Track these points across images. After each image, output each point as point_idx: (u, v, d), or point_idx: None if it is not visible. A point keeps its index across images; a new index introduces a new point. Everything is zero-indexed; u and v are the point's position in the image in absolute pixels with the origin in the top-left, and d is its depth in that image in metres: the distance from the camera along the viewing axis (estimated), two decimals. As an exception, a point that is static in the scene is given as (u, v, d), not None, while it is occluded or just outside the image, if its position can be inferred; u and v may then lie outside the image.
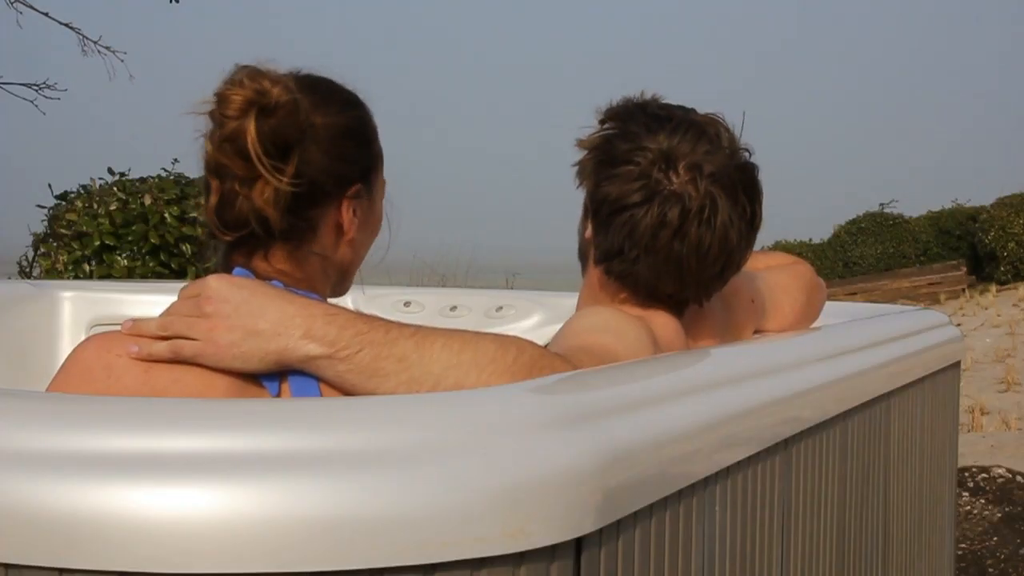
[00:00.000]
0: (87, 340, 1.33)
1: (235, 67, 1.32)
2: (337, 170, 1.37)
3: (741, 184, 1.61)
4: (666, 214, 1.56)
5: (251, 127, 1.27)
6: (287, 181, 1.30)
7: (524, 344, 1.28)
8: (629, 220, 1.58)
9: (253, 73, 1.30)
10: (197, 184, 6.22)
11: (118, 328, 1.31)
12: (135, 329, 1.28)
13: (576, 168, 1.68)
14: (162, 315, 1.28)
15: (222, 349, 1.22)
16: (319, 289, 1.40)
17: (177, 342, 1.24)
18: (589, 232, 1.67)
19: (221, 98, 1.29)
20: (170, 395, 1.23)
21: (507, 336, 1.29)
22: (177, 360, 1.24)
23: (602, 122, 1.67)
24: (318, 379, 1.24)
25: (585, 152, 1.66)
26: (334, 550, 0.84)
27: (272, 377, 1.25)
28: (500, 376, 1.22)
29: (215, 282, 1.25)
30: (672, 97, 1.72)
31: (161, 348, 1.25)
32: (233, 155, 1.29)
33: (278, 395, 1.26)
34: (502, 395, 1.05)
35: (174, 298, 1.31)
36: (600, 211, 1.62)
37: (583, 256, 1.74)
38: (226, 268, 1.38)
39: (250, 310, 1.22)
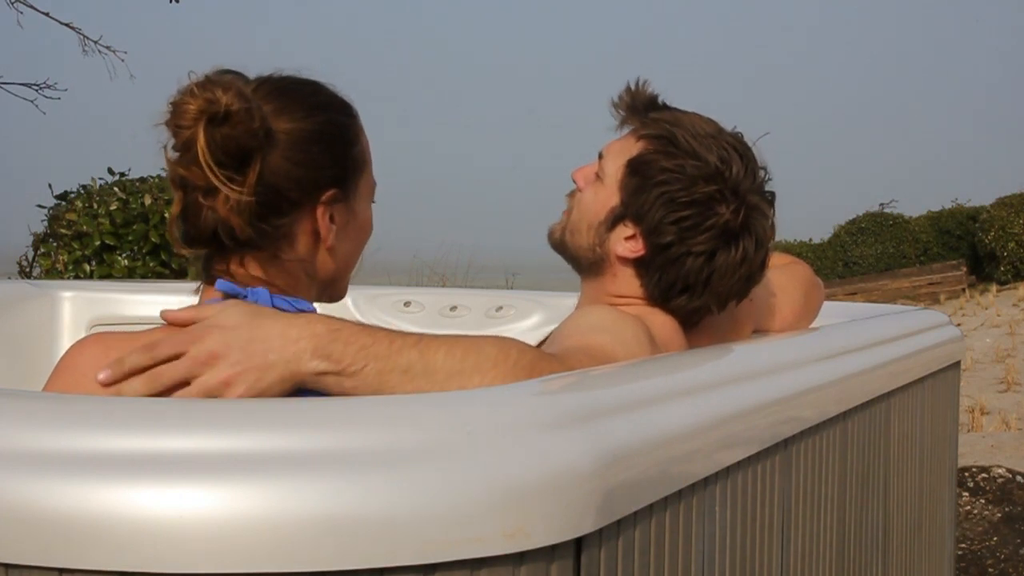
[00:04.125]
0: (83, 341, 1.31)
1: (189, 75, 1.29)
2: (305, 177, 1.33)
3: (771, 207, 1.70)
4: (735, 256, 1.63)
5: (200, 137, 1.24)
6: (244, 191, 1.26)
7: (523, 347, 1.28)
8: (698, 264, 1.62)
9: (205, 82, 1.27)
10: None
11: (116, 329, 1.29)
12: (118, 391, 1.20)
13: (625, 172, 1.65)
14: (161, 377, 1.20)
15: (244, 396, 1.19)
16: (303, 295, 1.37)
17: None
18: (623, 248, 1.66)
19: (175, 108, 1.26)
20: None
21: (506, 339, 1.29)
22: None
23: (654, 138, 1.65)
24: (325, 394, 1.24)
25: (636, 166, 1.64)
26: (334, 550, 0.84)
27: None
28: (502, 379, 1.22)
29: (210, 334, 1.20)
30: (671, 97, 1.73)
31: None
32: (191, 165, 1.26)
33: None
34: (502, 395, 1.05)
35: (174, 298, 1.29)
36: (665, 250, 1.63)
37: (596, 259, 1.70)
38: (207, 277, 1.36)
39: (256, 348, 1.19)
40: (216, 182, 1.26)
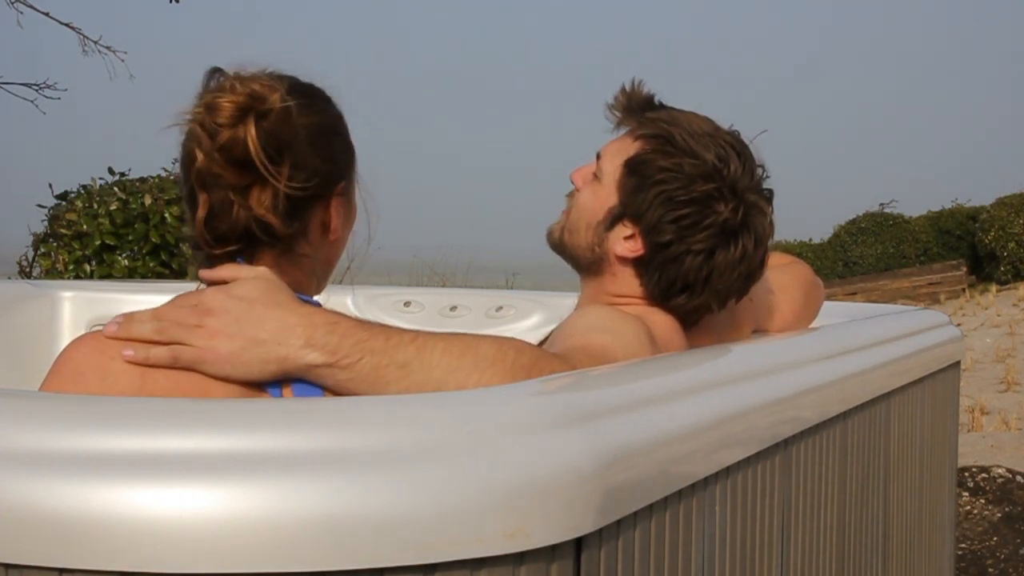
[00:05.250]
0: (79, 339, 1.31)
1: (211, 73, 1.29)
2: (326, 170, 1.35)
3: (769, 204, 1.69)
4: (734, 253, 1.63)
5: (252, 132, 1.25)
6: (286, 184, 1.28)
7: (523, 346, 1.28)
8: (698, 263, 1.62)
9: (243, 78, 1.28)
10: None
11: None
12: (127, 332, 1.26)
13: (623, 172, 1.65)
14: (156, 320, 1.26)
15: (222, 358, 1.22)
16: (307, 290, 1.39)
17: (176, 347, 1.23)
18: (622, 247, 1.65)
19: (212, 106, 1.26)
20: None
21: (506, 338, 1.29)
22: (176, 366, 1.23)
23: (651, 137, 1.65)
24: (321, 387, 1.24)
25: (634, 166, 1.64)
26: (334, 550, 0.84)
27: (274, 384, 1.25)
28: (500, 378, 1.22)
29: (215, 295, 1.24)
30: (668, 96, 1.74)
31: (160, 352, 1.23)
32: (227, 164, 1.26)
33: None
34: (502, 395, 1.05)
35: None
36: (664, 249, 1.63)
37: (596, 258, 1.70)
38: None
39: (251, 320, 1.22)
40: (269, 177, 1.27)
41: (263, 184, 1.28)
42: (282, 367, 1.22)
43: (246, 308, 1.23)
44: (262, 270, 1.28)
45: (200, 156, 1.28)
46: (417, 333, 1.25)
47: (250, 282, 1.26)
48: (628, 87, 1.73)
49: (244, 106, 1.25)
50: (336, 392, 1.23)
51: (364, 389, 1.22)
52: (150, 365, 1.24)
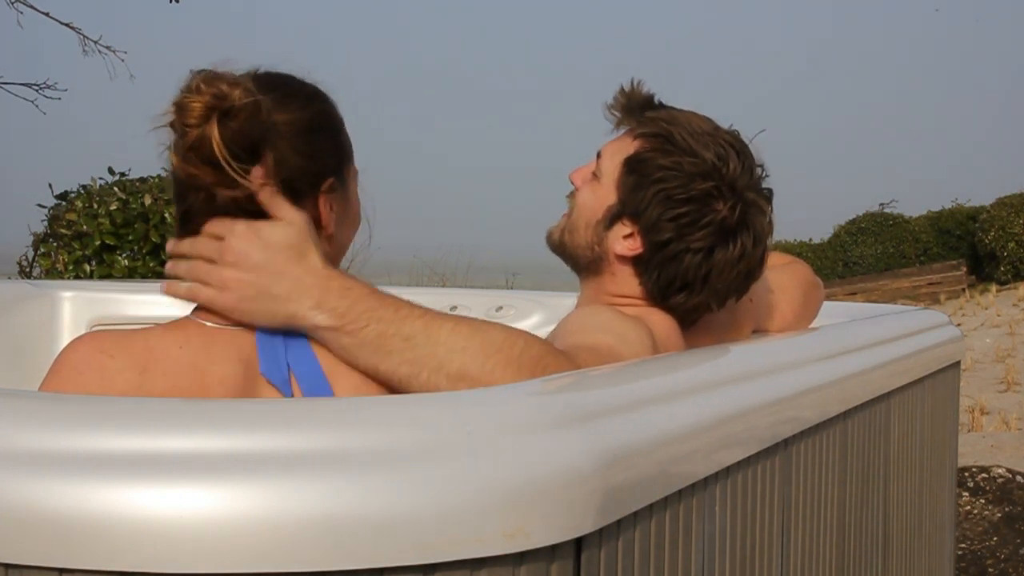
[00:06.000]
0: (78, 339, 1.32)
1: (190, 74, 1.29)
2: (308, 166, 1.35)
3: (769, 203, 1.69)
4: (733, 252, 1.63)
5: (215, 132, 1.25)
6: (259, 183, 1.28)
7: (531, 339, 1.28)
8: (696, 261, 1.62)
9: (209, 78, 1.27)
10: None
11: (112, 328, 1.31)
12: (172, 269, 1.33)
13: (622, 171, 1.66)
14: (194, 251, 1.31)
15: (232, 302, 1.27)
16: None
17: (195, 287, 1.29)
18: (621, 246, 1.65)
19: (180, 107, 1.26)
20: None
21: (516, 329, 1.30)
22: (195, 301, 1.30)
23: (650, 136, 1.66)
24: (321, 368, 1.26)
25: (634, 164, 1.65)
26: (334, 550, 0.84)
27: (284, 381, 1.27)
28: (505, 366, 1.22)
29: (243, 234, 1.27)
30: (669, 96, 1.74)
31: (182, 289, 1.31)
32: (200, 163, 1.27)
33: (287, 380, 1.27)
34: (502, 395, 1.05)
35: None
36: (663, 247, 1.63)
37: (595, 257, 1.70)
38: None
39: (268, 271, 1.26)
40: (235, 176, 1.27)
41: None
42: (289, 322, 1.27)
43: (267, 257, 1.26)
44: (301, 217, 1.30)
45: (176, 157, 1.29)
46: (428, 310, 1.28)
47: (281, 228, 1.28)
48: (627, 87, 1.73)
49: (209, 105, 1.25)
50: (339, 356, 1.27)
51: (366, 356, 1.25)
52: (179, 297, 1.31)
